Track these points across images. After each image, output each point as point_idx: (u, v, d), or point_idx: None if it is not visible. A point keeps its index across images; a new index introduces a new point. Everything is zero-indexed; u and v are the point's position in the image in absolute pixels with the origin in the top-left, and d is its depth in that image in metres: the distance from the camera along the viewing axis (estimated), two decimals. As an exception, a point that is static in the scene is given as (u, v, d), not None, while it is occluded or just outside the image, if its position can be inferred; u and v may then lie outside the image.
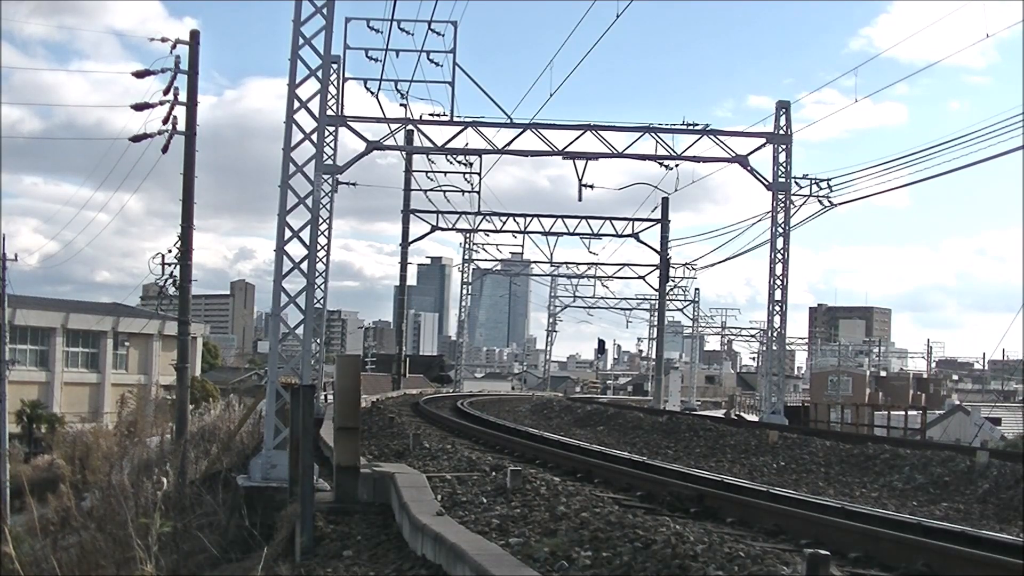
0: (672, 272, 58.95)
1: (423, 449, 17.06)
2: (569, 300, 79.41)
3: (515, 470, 11.72)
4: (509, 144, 32.46)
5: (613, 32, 26.72)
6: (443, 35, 30.47)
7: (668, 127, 32.75)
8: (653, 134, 32.62)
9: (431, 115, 32.37)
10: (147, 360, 79.61)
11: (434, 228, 50.41)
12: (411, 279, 51.76)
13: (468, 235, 61.79)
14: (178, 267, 31.70)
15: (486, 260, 66.64)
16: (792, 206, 33.33)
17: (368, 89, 31.85)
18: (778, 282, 33.45)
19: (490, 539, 8.70)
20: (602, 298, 74.83)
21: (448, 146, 32.94)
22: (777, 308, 33.74)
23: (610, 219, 50.25)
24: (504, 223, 52.10)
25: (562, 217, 51.38)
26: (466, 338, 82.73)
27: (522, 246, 57.51)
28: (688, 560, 7.32)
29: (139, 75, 32.17)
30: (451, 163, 40.10)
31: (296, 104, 15.87)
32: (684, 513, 12.30)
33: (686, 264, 65.06)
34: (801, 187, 34.10)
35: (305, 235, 16.09)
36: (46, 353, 75.04)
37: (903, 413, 49.33)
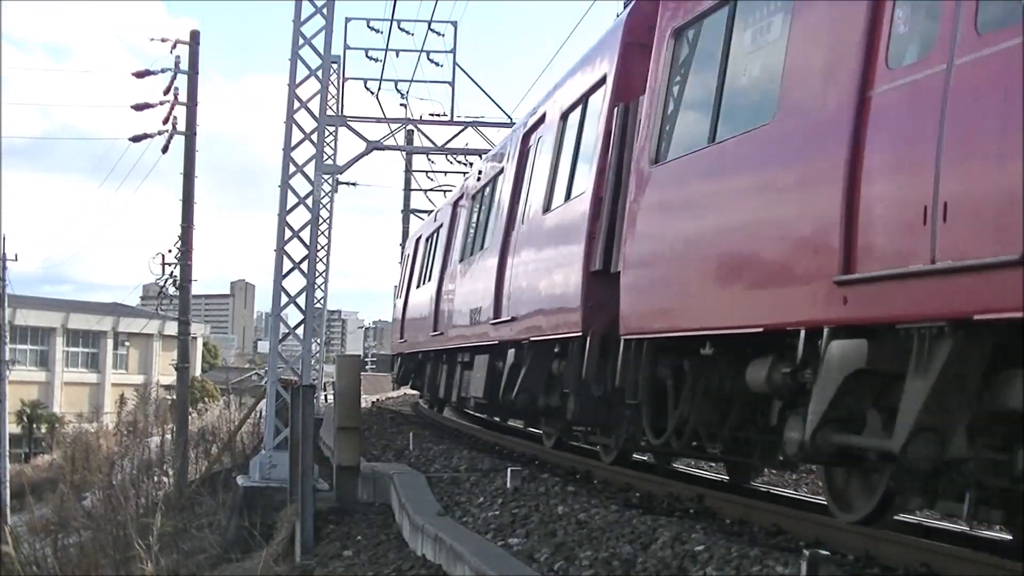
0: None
1: (423, 449, 17.05)
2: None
3: (515, 470, 11.70)
4: (509, 144, 32.43)
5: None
6: (443, 35, 30.48)
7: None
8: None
9: (431, 115, 32.37)
10: (147, 360, 79.59)
11: (434, 228, 50.35)
12: (411, 279, 51.46)
13: (468, 235, 61.63)
14: (178, 267, 31.78)
15: (486, 259, 66.50)
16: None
17: (368, 89, 31.84)
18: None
19: (490, 539, 8.70)
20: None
21: (448, 146, 32.92)
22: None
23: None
24: (504, 223, 51.97)
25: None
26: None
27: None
28: (688, 560, 7.32)
29: (139, 75, 32.25)
30: (451, 163, 40.07)
31: (296, 104, 15.88)
32: (684, 513, 12.28)
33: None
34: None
35: (305, 235, 16.10)
36: (46, 353, 75.05)
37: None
